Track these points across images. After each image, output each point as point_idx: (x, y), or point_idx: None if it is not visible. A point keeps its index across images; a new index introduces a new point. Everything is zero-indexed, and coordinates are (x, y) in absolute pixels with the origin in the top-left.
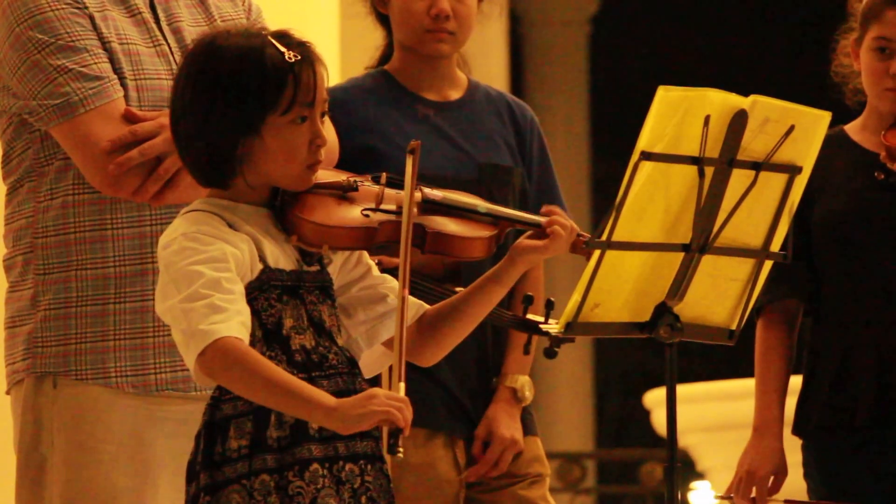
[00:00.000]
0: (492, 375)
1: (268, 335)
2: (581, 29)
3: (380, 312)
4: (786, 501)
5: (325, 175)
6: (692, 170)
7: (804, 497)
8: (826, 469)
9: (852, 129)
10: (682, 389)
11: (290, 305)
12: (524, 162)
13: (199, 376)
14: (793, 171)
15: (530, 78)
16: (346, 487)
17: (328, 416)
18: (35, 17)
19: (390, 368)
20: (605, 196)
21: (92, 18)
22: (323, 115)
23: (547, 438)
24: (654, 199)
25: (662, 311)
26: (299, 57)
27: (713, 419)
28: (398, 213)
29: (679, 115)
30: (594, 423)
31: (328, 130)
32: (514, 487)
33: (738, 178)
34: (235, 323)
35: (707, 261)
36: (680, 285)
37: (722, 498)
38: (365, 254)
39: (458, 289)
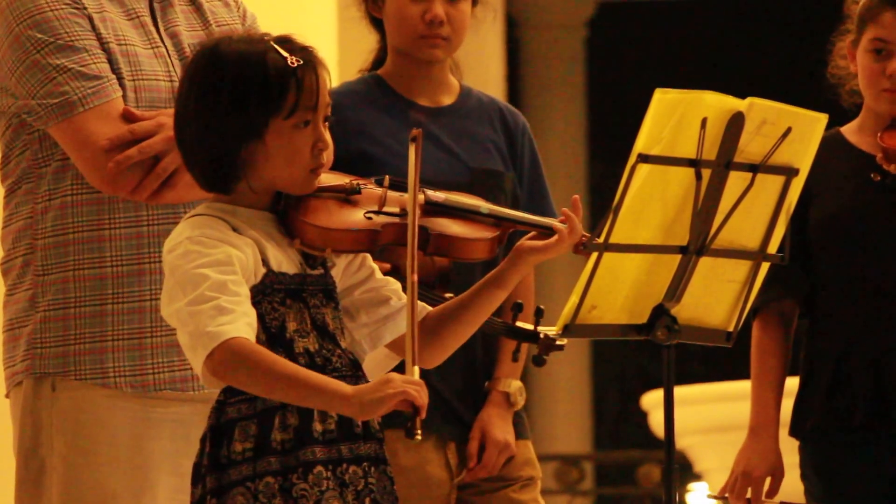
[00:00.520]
0: (481, 378)
1: (271, 339)
2: (578, 32)
3: (383, 315)
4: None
5: (328, 178)
6: (689, 172)
7: (801, 499)
8: (823, 470)
9: (848, 130)
10: (680, 391)
11: (294, 309)
12: (515, 167)
13: (208, 379)
14: (790, 173)
15: (527, 81)
16: (349, 490)
17: (345, 404)
18: (34, 17)
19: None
20: (602, 198)
21: (91, 19)
22: (326, 120)
23: (545, 440)
24: (651, 201)
25: (660, 312)
26: (301, 61)
27: (711, 421)
28: (401, 215)
29: (676, 117)
30: (592, 424)
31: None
32: (506, 490)
33: (736, 181)
34: (242, 324)
35: (704, 263)
36: (677, 287)
37: (716, 497)
38: (368, 257)
39: (448, 294)
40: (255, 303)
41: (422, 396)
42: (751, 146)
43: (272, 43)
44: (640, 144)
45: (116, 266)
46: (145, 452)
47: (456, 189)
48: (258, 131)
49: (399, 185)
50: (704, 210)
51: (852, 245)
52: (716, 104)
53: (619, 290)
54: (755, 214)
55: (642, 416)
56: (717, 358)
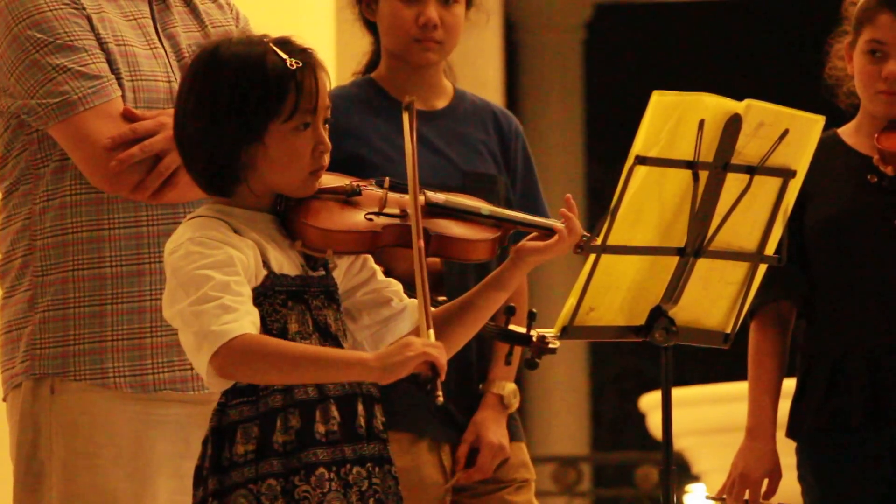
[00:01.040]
0: (475, 381)
1: None
2: (576, 35)
3: (385, 316)
4: None
5: (329, 180)
6: (687, 174)
7: (798, 500)
8: (820, 472)
9: (845, 132)
10: (678, 392)
11: (296, 311)
12: (508, 171)
13: (213, 379)
14: (787, 174)
15: (525, 83)
16: (353, 490)
17: (367, 370)
18: (33, 17)
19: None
20: (600, 200)
21: (89, 19)
22: (326, 122)
23: (543, 441)
24: (649, 203)
25: (657, 314)
26: (301, 64)
27: (709, 422)
28: (401, 216)
29: (674, 119)
30: (590, 426)
31: None
32: (501, 493)
33: (733, 182)
34: (247, 322)
35: (702, 264)
36: (675, 289)
37: (714, 499)
38: (369, 258)
39: (441, 298)
40: (257, 304)
41: (442, 357)
42: (748, 148)
43: (272, 45)
44: (638, 146)
45: (116, 266)
46: (145, 454)
47: (448, 192)
48: (258, 134)
49: (399, 187)
50: (702, 212)
51: (849, 246)
52: (713, 106)
53: (616, 291)
54: (752, 216)
55: (640, 417)
56: (714, 359)
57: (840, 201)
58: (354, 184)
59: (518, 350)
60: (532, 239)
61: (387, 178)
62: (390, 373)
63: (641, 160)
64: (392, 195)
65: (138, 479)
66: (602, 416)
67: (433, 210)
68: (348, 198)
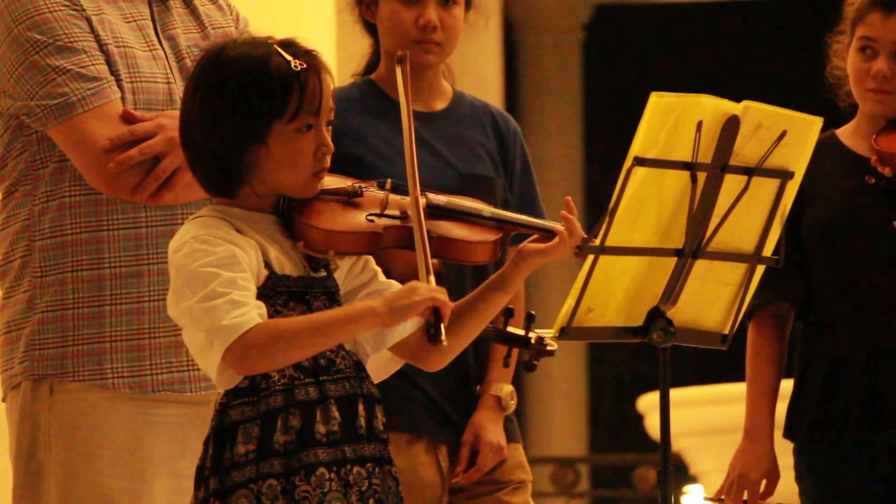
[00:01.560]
0: (472, 382)
1: None
2: (574, 36)
3: None
4: None
5: (330, 181)
6: (685, 175)
7: (796, 501)
8: (817, 472)
9: (843, 133)
10: (676, 393)
11: (297, 311)
12: (506, 172)
13: (223, 376)
14: (785, 176)
15: (524, 84)
16: (353, 490)
17: (377, 317)
18: (33, 18)
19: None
20: (598, 201)
21: (89, 21)
22: (329, 124)
23: (541, 443)
24: (647, 204)
25: (656, 315)
26: (305, 65)
27: (706, 423)
28: (403, 217)
29: (672, 120)
30: (588, 427)
31: None
32: (498, 494)
33: (731, 184)
34: (255, 314)
35: (700, 265)
36: (673, 290)
37: (712, 500)
38: (371, 259)
39: None
40: None
41: (448, 302)
42: (746, 149)
43: (276, 47)
44: (637, 147)
45: (114, 267)
46: (143, 454)
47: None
48: (261, 135)
49: (401, 189)
50: (700, 213)
51: (846, 248)
52: (711, 108)
53: (615, 292)
54: (750, 217)
55: (638, 418)
56: (712, 360)
57: (838, 202)
58: (356, 185)
59: (516, 352)
60: (533, 241)
61: (388, 180)
62: (399, 315)
63: (640, 161)
64: (393, 197)
65: (136, 479)
66: (600, 417)
67: (434, 212)
68: (350, 199)
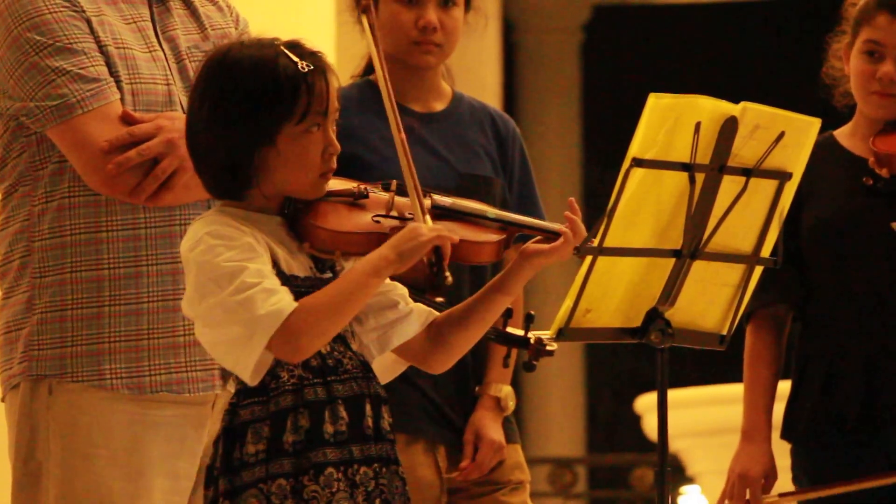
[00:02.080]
0: (471, 384)
1: None
2: (573, 36)
3: (391, 319)
4: (780, 495)
5: (336, 183)
6: (683, 176)
7: (795, 501)
8: (815, 473)
9: (841, 134)
10: (673, 394)
11: None
12: (505, 173)
13: (259, 367)
14: (783, 177)
15: (523, 85)
16: (360, 490)
17: (388, 264)
18: (33, 20)
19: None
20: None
21: (89, 22)
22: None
23: (538, 443)
24: (645, 205)
25: (654, 316)
26: (312, 67)
27: (704, 424)
28: (408, 219)
29: (670, 121)
30: (585, 427)
31: None
32: (496, 494)
33: (729, 185)
34: (290, 298)
35: (698, 266)
36: (671, 291)
37: None
38: None
39: (438, 299)
40: None
41: (449, 237)
42: (744, 150)
43: (283, 48)
44: (635, 149)
45: (113, 268)
46: (141, 455)
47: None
48: (270, 137)
49: (405, 190)
50: (698, 214)
51: (844, 249)
52: (709, 109)
53: (613, 293)
54: (749, 218)
55: (636, 419)
56: (710, 361)
57: (836, 204)
58: (362, 187)
59: (515, 352)
60: (536, 242)
61: (393, 182)
62: (408, 258)
63: (638, 162)
64: (399, 198)
65: (134, 479)
66: (598, 417)
67: (439, 213)
68: (356, 200)
